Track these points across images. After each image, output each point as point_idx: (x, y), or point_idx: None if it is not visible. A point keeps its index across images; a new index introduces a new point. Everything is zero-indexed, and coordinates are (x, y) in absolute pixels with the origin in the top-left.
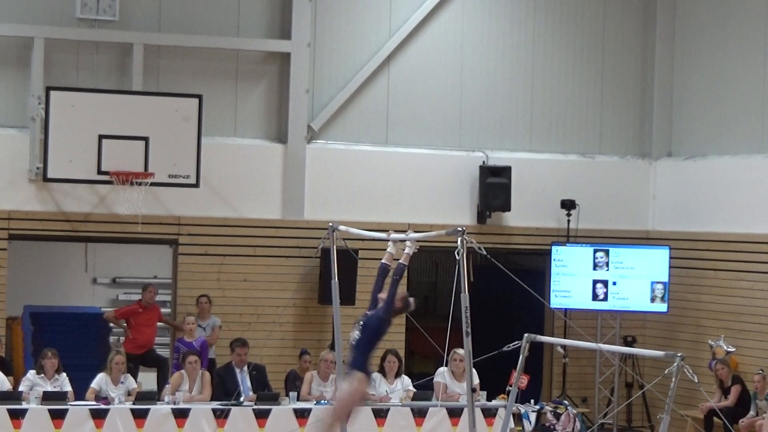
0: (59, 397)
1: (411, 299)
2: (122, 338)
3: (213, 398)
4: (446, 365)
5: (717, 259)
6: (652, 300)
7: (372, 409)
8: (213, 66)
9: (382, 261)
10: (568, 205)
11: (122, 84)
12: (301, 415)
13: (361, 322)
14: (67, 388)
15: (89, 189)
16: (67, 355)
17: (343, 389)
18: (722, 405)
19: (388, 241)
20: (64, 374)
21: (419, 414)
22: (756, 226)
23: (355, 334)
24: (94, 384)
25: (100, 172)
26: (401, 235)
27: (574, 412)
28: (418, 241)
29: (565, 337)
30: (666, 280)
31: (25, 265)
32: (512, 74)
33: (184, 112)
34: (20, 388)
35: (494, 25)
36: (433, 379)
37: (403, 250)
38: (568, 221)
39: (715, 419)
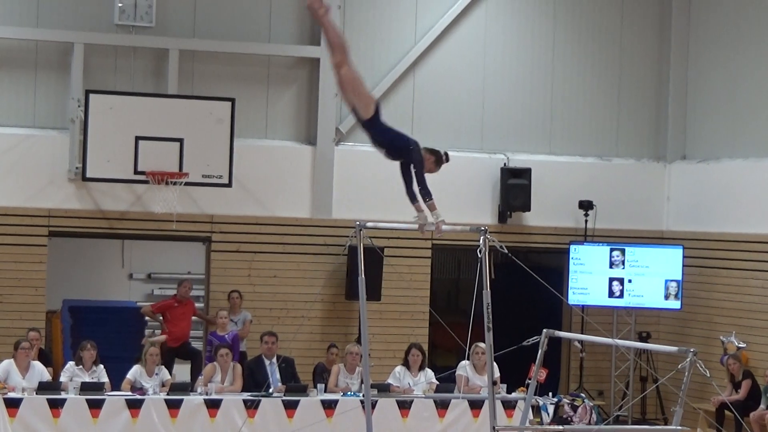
0: (97, 387)
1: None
2: (157, 331)
3: (244, 389)
4: (468, 359)
5: (729, 258)
6: (666, 297)
7: (396, 400)
8: (245, 70)
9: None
10: (586, 205)
11: (158, 87)
12: (329, 406)
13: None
14: (104, 379)
15: (126, 188)
16: (104, 347)
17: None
18: (733, 399)
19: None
20: (102, 366)
21: (442, 405)
22: (766, 226)
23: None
24: (130, 375)
25: (136, 172)
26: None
27: (591, 404)
28: (442, 235)
29: (582, 333)
30: (680, 278)
31: (64, 260)
32: (533, 80)
33: (217, 115)
34: (60, 379)
35: (515, 33)
36: (455, 372)
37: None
38: (586, 221)
39: (727, 412)
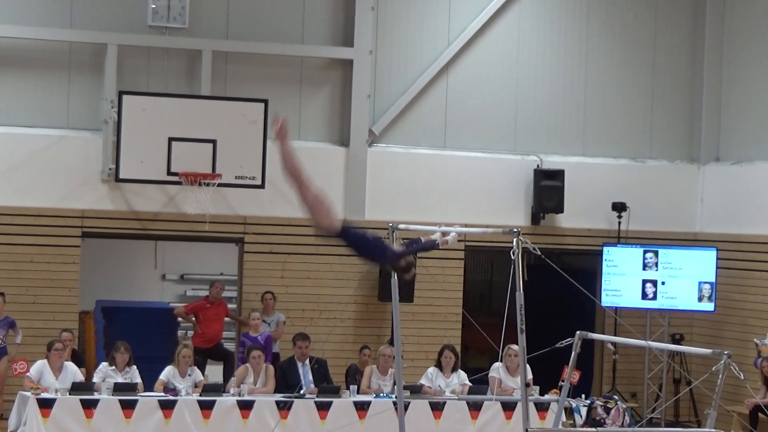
0: (130, 388)
1: (413, 271)
2: (189, 332)
3: (276, 391)
4: (501, 360)
5: (763, 260)
6: (700, 299)
7: (429, 402)
8: (278, 72)
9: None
10: (619, 207)
11: (191, 89)
12: (361, 407)
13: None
14: (137, 379)
15: (159, 189)
16: (137, 348)
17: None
18: (767, 401)
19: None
20: (135, 366)
21: (474, 407)
22: None
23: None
24: (163, 376)
25: (169, 173)
26: (457, 229)
27: (624, 406)
28: (475, 236)
29: (615, 335)
30: (713, 280)
31: (97, 261)
32: (566, 81)
33: (250, 116)
34: (93, 380)
35: (549, 34)
36: (488, 373)
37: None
38: (619, 223)
39: (760, 415)
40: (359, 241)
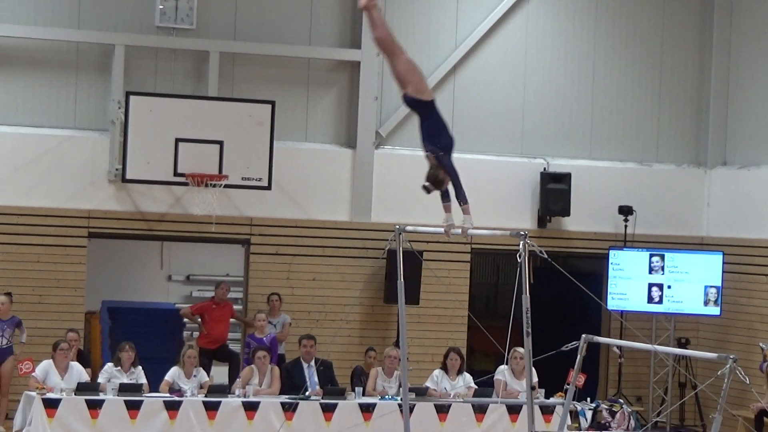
0: (135, 389)
1: (438, 186)
2: (195, 333)
3: (281, 392)
4: (506, 363)
5: None
6: (706, 303)
7: (434, 404)
8: (285, 73)
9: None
10: (626, 211)
11: (198, 90)
12: (366, 409)
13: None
14: (143, 380)
15: (166, 190)
16: (142, 348)
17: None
18: None
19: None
20: (140, 367)
21: (480, 410)
22: None
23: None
24: (168, 377)
25: (176, 173)
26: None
27: (629, 410)
28: (481, 239)
29: (621, 338)
30: (719, 284)
31: (103, 262)
32: (573, 85)
33: (257, 118)
34: (98, 380)
35: (556, 37)
36: (493, 376)
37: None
38: (626, 227)
39: (765, 419)
40: (438, 122)
